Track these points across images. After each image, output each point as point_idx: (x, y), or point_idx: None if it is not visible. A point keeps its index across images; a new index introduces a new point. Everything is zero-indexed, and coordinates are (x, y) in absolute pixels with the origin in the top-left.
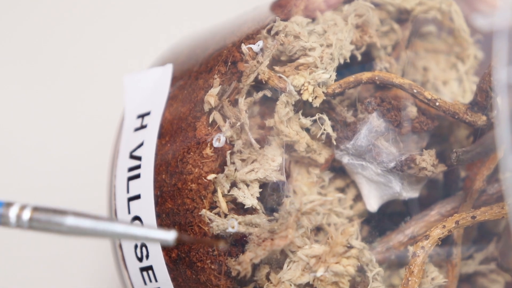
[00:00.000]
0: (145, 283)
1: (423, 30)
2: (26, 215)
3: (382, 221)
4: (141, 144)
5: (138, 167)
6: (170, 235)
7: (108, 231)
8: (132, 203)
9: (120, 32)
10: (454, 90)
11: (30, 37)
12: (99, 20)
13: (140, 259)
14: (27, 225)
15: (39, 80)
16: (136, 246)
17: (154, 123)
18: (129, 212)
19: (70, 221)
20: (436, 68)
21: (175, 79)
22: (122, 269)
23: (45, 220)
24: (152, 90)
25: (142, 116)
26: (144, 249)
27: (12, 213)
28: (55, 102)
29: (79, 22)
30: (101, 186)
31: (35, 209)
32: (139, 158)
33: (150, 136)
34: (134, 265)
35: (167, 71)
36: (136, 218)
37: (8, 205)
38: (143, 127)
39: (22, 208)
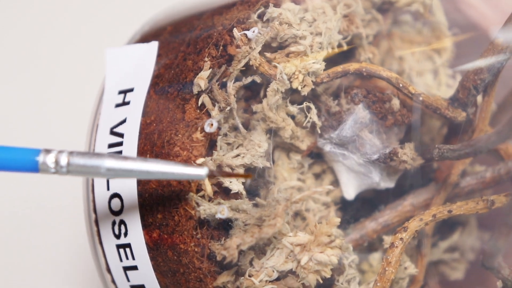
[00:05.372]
0: (121, 260)
1: (399, 19)
2: (64, 160)
3: (357, 208)
4: (124, 121)
5: (120, 144)
6: (203, 171)
7: (144, 170)
8: (112, 179)
9: (99, 4)
10: (428, 82)
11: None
12: None
13: (118, 236)
14: (65, 170)
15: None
16: (114, 223)
17: (138, 101)
18: (108, 189)
19: (108, 163)
20: (411, 58)
21: (159, 57)
22: (96, 244)
23: (83, 164)
24: (136, 67)
25: (124, 92)
26: (122, 226)
27: (50, 159)
28: (25, 79)
29: None
30: None
31: (72, 154)
32: (121, 135)
33: (134, 114)
34: (110, 241)
35: (153, 49)
36: (116, 195)
37: (47, 152)
38: (125, 103)
39: (60, 154)
